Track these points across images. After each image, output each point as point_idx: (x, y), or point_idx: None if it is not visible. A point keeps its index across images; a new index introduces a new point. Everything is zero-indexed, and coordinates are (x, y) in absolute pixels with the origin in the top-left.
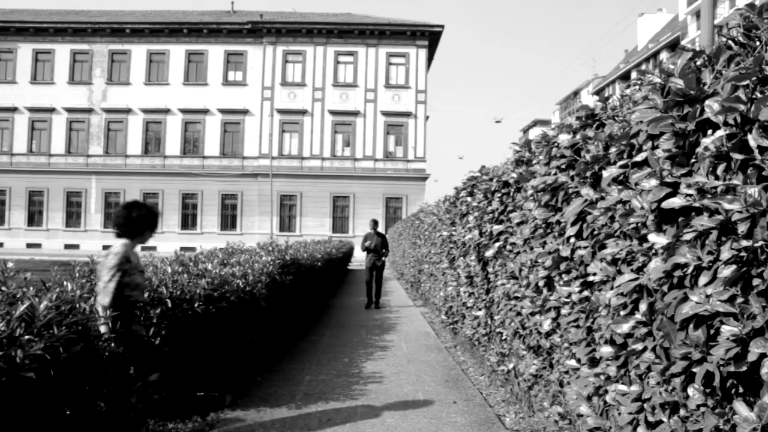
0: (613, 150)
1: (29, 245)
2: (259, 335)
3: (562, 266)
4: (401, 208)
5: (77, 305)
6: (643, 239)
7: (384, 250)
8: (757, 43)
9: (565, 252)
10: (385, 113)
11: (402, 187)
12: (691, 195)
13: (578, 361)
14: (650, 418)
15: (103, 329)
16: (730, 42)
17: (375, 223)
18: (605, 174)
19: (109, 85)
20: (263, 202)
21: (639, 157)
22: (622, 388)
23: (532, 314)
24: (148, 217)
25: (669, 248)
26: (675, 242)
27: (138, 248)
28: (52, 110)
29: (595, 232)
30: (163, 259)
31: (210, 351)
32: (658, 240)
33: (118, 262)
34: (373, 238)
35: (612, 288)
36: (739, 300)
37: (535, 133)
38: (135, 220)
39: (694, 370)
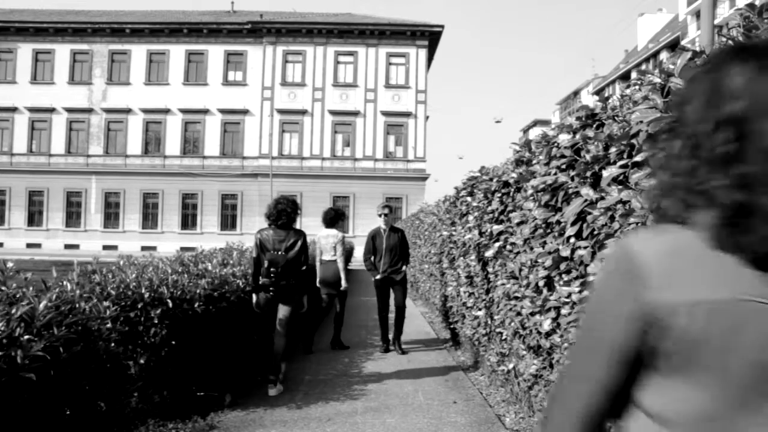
0: (613, 150)
1: (29, 245)
2: (259, 335)
3: (562, 266)
4: (401, 208)
5: (77, 305)
6: None
7: (404, 256)
8: None
9: (565, 252)
10: (385, 113)
11: (402, 187)
12: None
13: None
14: None
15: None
16: (730, 42)
17: (390, 210)
18: (605, 174)
19: (109, 85)
20: (263, 202)
21: (639, 157)
22: None
23: (532, 314)
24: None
25: None
26: None
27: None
28: (52, 110)
29: (595, 232)
30: (163, 259)
31: (210, 351)
32: None
33: None
34: (386, 239)
35: None
36: None
37: (535, 133)
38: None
39: None
